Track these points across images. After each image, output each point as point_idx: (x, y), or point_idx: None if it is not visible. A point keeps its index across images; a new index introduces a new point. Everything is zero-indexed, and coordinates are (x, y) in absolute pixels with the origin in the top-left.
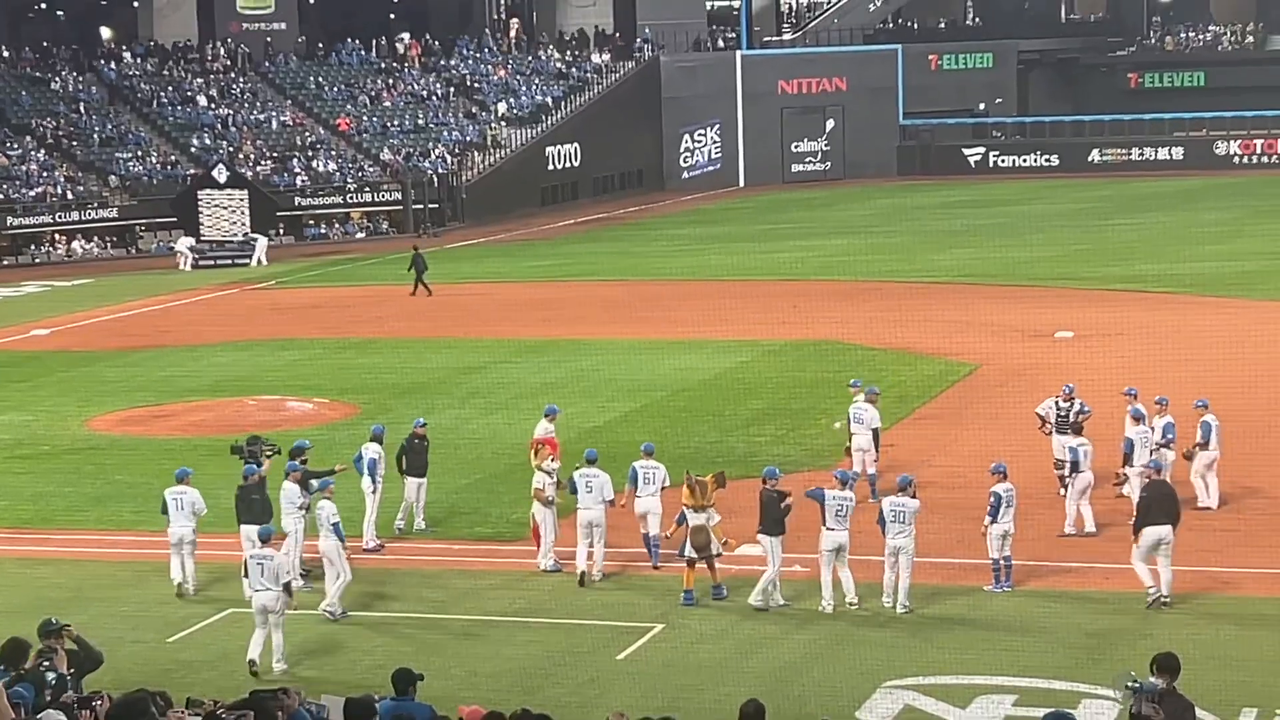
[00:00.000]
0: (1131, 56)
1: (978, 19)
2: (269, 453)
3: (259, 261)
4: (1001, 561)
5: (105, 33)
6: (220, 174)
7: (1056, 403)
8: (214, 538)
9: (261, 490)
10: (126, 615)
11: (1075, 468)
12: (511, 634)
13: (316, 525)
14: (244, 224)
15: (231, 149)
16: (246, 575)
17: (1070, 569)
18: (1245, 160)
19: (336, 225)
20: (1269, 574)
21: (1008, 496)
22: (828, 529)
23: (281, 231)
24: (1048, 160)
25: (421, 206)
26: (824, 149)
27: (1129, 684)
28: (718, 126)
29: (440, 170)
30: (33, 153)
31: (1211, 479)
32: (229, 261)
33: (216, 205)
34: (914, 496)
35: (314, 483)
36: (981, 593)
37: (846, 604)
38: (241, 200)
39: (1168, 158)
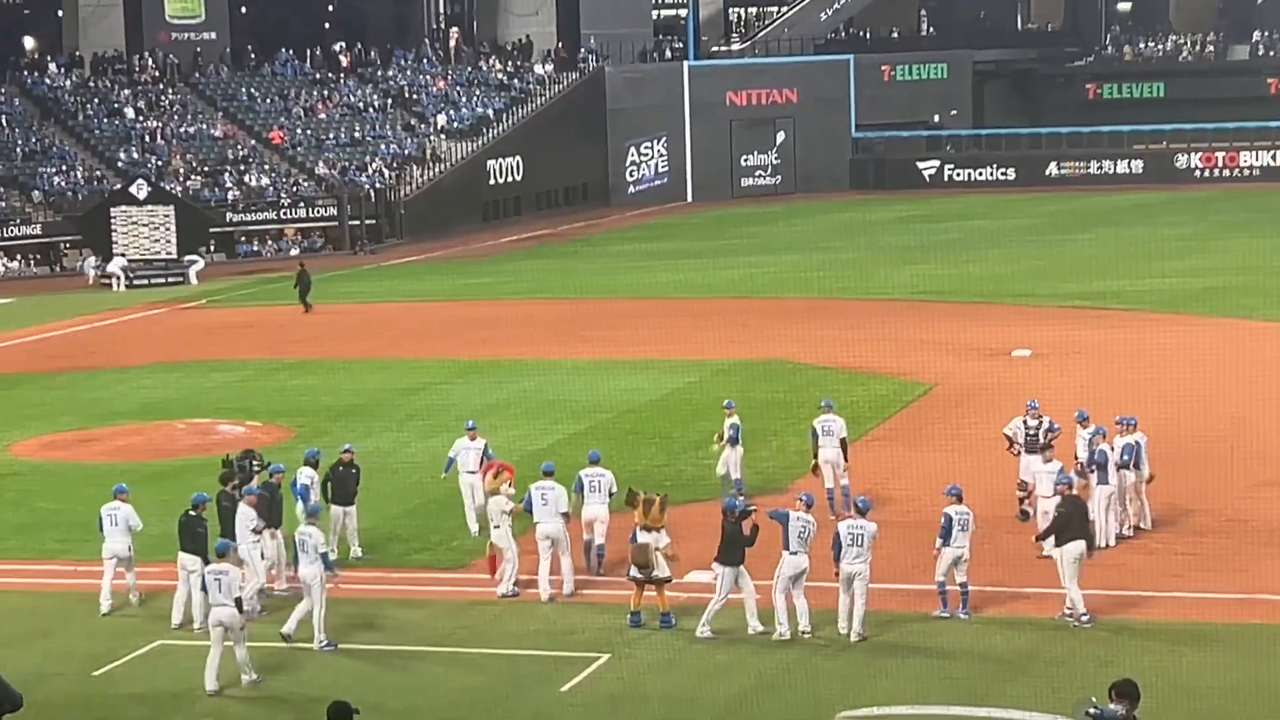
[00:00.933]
0: (1089, 67)
1: (932, 29)
2: (257, 468)
3: (192, 281)
4: (956, 588)
5: (29, 43)
6: (140, 190)
7: (1024, 421)
8: (141, 566)
9: (222, 518)
10: (50, 648)
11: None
12: (452, 665)
13: (298, 551)
14: (169, 242)
15: (160, 163)
16: (204, 589)
17: (1029, 595)
18: (1206, 173)
19: (270, 242)
20: (1230, 599)
21: (960, 519)
22: (790, 553)
23: (212, 249)
24: (1004, 174)
25: (358, 222)
26: (774, 162)
27: (1089, 710)
28: (664, 139)
29: (378, 185)
30: None
31: (1142, 499)
32: (163, 280)
33: (134, 223)
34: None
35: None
36: (939, 620)
37: (800, 632)
38: (166, 217)
39: (1127, 171)
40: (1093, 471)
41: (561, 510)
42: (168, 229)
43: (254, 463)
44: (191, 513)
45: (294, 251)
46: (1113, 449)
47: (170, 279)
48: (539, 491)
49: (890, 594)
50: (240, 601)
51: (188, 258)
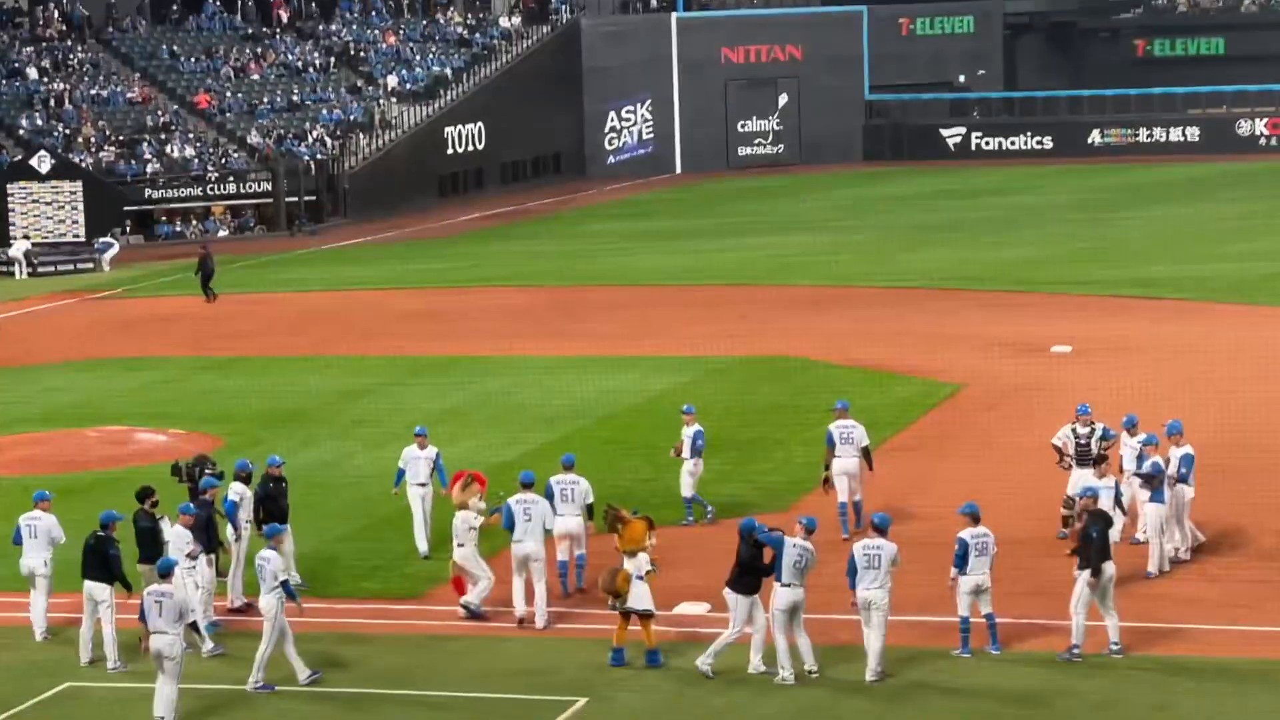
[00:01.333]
0: (1138, 19)
1: None
2: (208, 473)
3: (106, 267)
4: (983, 621)
5: None
6: (42, 163)
7: (1074, 430)
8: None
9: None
10: None
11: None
12: (406, 711)
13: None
14: (77, 222)
15: (68, 131)
16: (141, 618)
17: (1068, 627)
18: (1273, 142)
19: (195, 222)
20: None
21: (978, 543)
22: (781, 585)
23: (128, 230)
24: (1040, 143)
25: (296, 199)
26: (776, 129)
27: None
28: (649, 102)
29: (319, 156)
30: None
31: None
32: (70, 266)
33: (36, 201)
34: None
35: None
36: (965, 659)
37: (806, 673)
38: (73, 194)
39: (1181, 139)
40: (1144, 487)
41: (548, 528)
42: (75, 208)
43: (208, 470)
44: (100, 534)
45: (222, 233)
46: (1167, 461)
47: (79, 265)
48: (520, 506)
49: (910, 627)
50: (196, 625)
51: (100, 241)
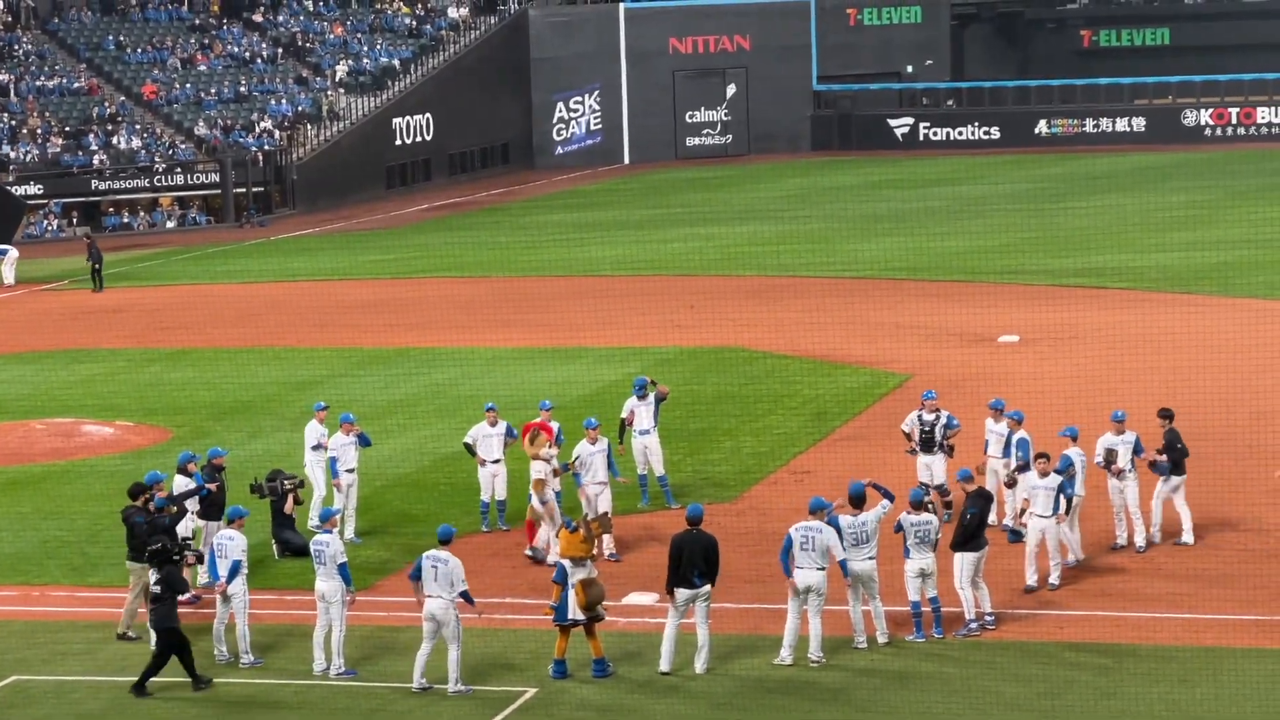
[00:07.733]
0: (1084, 10)
1: None
2: (289, 488)
3: (6, 280)
4: (927, 607)
5: None
6: None
7: (920, 416)
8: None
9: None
10: None
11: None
12: (354, 701)
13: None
14: None
15: (14, 123)
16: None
17: (1018, 616)
18: (1218, 132)
19: (142, 213)
20: (1249, 621)
21: (919, 530)
22: (797, 567)
23: (75, 221)
24: (987, 133)
25: (244, 190)
26: (724, 119)
27: None
28: (597, 93)
29: (266, 147)
30: None
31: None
32: None
33: None
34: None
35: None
36: (906, 645)
37: (809, 659)
38: None
39: (1127, 129)
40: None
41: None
42: None
43: (286, 481)
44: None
45: (170, 224)
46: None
47: None
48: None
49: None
50: (467, 594)
51: None
